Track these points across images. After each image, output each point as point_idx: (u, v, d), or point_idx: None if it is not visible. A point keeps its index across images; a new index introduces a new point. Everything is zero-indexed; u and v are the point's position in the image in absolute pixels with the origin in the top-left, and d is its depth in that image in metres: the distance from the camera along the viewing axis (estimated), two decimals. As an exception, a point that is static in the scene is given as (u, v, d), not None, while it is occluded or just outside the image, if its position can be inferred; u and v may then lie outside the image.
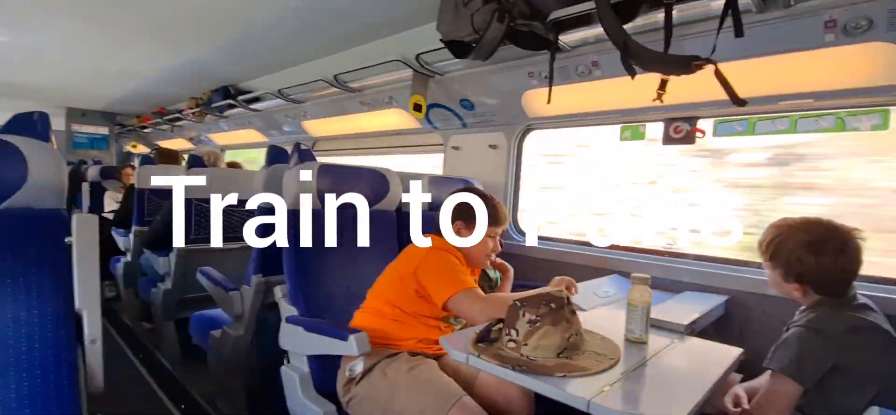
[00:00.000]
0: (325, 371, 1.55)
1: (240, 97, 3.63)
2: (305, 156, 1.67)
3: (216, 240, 2.60)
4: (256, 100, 3.55)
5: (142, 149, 6.74)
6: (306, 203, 1.64)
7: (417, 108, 2.30)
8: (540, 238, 2.45)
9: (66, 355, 1.11)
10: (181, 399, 2.35)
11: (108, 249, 3.65)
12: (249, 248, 2.01)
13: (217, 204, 2.56)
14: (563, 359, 1.04)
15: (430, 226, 1.76)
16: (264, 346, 1.91)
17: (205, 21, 2.41)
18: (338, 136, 3.71)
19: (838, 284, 1.23)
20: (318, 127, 3.65)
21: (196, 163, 2.60)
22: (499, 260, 1.88)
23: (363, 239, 1.80)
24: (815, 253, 1.22)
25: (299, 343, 1.54)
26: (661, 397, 0.99)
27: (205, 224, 2.62)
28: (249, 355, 2.02)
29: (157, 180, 3.22)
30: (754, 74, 1.57)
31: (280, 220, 1.65)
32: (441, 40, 1.81)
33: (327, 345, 1.42)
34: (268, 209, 1.86)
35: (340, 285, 1.70)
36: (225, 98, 3.70)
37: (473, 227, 1.58)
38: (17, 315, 1.06)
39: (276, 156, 1.92)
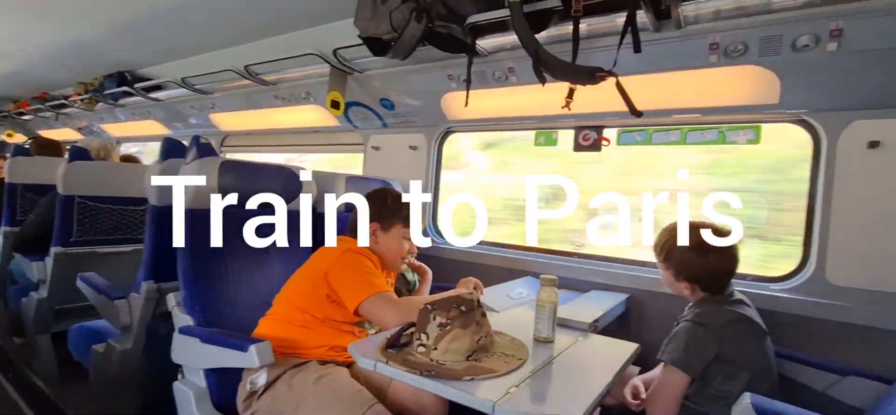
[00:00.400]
0: (224, 386, 1.43)
1: (137, 85, 3.29)
2: (205, 151, 1.53)
3: (104, 242, 2.34)
4: (157, 88, 3.24)
5: (20, 138, 5.89)
6: (205, 202, 1.51)
7: (335, 105, 2.22)
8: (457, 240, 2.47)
9: None
10: None
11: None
12: (140, 252, 1.82)
13: (105, 202, 2.31)
14: (472, 362, 1.04)
15: (343, 227, 1.69)
16: (156, 360, 1.73)
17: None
18: (251, 131, 3.49)
19: (719, 282, 1.36)
20: (228, 120, 3.41)
21: (80, 155, 2.30)
22: (417, 262, 1.86)
23: (272, 241, 1.69)
24: (701, 254, 1.33)
25: (194, 356, 1.41)
26: (565, 394, 1.02)
27: (90, 224, 2.33)
28: (139, 370, 1.82)
29: (33, 175, 2.83)
30: (652, 89, 1.70)
31: (176, 220, 1.50)
32: (359, 36, 1.76)
33: (225, 357, 1.31)
34: (162, 209, 1.70)
35: (245, 292, 1.58)
36: (120, 85, 3.33)
37: (390, 228, 1.55)
38: None
39: (172, 149, 1.75)
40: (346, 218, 1.98)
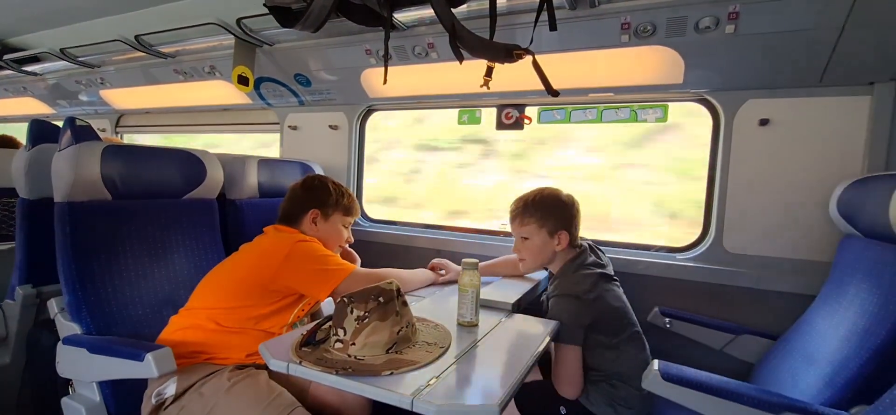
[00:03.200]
0: (124, 398, 1.30)
1: (7, 56, 2.82)
2: (84, 134, 1.33)
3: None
4: (33, 60, 2.80)
5: None
6: (87, 193, 1.33)
7: (243, 80, 2.04)
8: (383, 222, 2.41)
9: None
10: None
11: None
12: (13, 251, 1.58)
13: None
14: (392, 355, 1.00)
15: (262, 214, 1.58)
16: (39, 374, 1.53)
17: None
18: (151, 109, 3.15)
19: (578, 230, 1.47)
20: (122, 98, 3.04)
21: (-75, 140, 1.94)
22: (348, 249, 1.80)
23: (174, 235, 1.54)
24: (564, 204, 1.45)
25: (83, 368, 1.26)
26: (487, 379, 1.02)
27: (-52, 221, 1.99)
28: (20, 388, 1.60)
29: None
30: (569, 68, 1.72)
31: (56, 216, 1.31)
32: (264, 4, 1.61)
33: (119, 368, 1.17)
34: (35, 202, 1.48)
35: (143, 292, 1.43)
36: (-17, 57, 2.84)
37: (330, 216, 1.51)
38: None
39: (42, 133, 1.51)
40: (264, 205, 1.86)
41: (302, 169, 2.10)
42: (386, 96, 2.20)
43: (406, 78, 2.01)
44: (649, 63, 1.62)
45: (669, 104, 1.78)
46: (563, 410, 1.33)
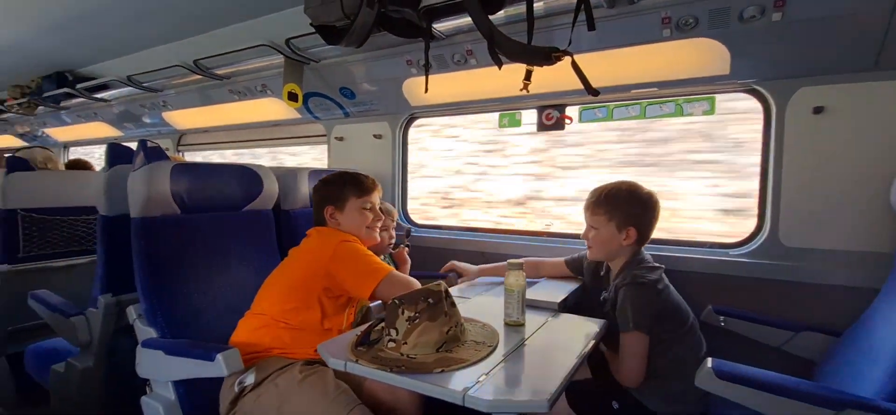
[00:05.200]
0: (194, 395, 1.40)
1: (80, 85, 3.09)
2: (154, 154, 1.45)
3: (55, 256, 2.23)
4: (102, 88, 3.05)
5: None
6: (158, 209, 1.45)
7: (292, 97, 2.15)
8: (428, 227, 2.47)
9: None
10: None
11: None
12: (95, 264, 1.73)
13: (53, 213, 2.20)
14: (442, 353, 1.04)
15: (310, 222, 1.65)
16: (120, 376, 1.67)
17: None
18: (208, 128, 3.36)
19: (651, 230, 1.47)
20: (183, 118, 3.27)
21: (18, 165, 2.17)
22: (402, 254, 1.88)
23: (236, 245, 1.65)
24: (641, 200, 1.44)
25: (160, 369, 1.37)
26: (535, 376, 1.04)
27: (39, 238, 2.20)
28: (103, 388, 1.75)
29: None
30: (609, 65, 1.71)
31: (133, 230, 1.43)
32: (311, 24, 1.70)
33: (192, 368, 1.27)
34: (113, 218, 1.62)
35: (211, 298, 1.54)
36: (60, 86, 3.12)
37: (344, 205, 1.54)
38: None
39: (118, 155, 1.66)
40: (310, 213, 1.95)
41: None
42: (427, 104, 2.25)
43: (446, 85, 2.05)
44: (693, 55, 1.59)
45: (716, 96, 1.73)
46: (615, 405, 1.33)
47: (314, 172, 1.99)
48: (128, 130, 3.71)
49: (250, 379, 1.31)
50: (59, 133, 4.39)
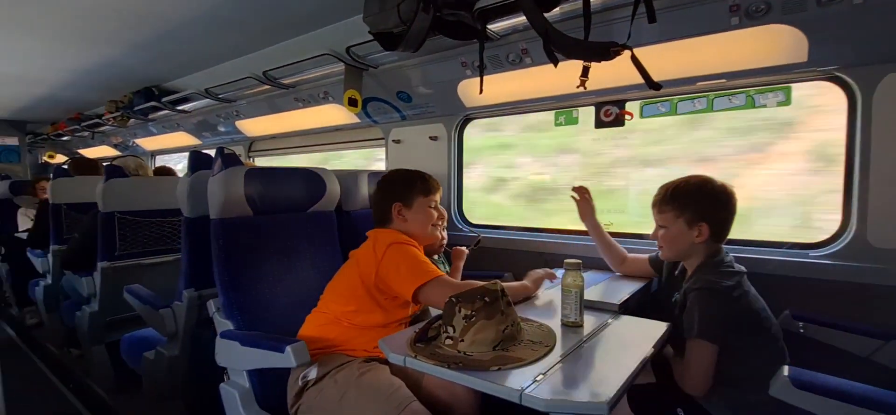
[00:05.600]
0: (267, 386, 1.49)
1: (165, 99, 3.39)
2: (230, 161, 1.58)
3: (146, 254, 2.46)
4: (184, 100, 3.33)
5: (61, 159, 6.21)
6: (233, 210, 1.56)
7: (353, 102, 2.24)
8: (482, 226, 2.48)
9: None
10: None
11: (26, 272, 3.36)
12: (180, 261, 1.90)
13: (143, 215, 2.42)
14: (499, 352, 1.05)
15: (372, 223, 1.70)
16: (202, 364, 1.82)
17: (117, 17, 2.22)
18: (276, 135, 3.57)
19: (728, 227, 1.37)
20: (253, 126, 3.49)
21: (115, 173, 2.42)
22: (460, 250, 1.91)
23: (301, 244, 1.74)
24: (714, 194, 1.36)
25: (236, 359, 1.48)
26: (594, 378, 1.02)
27: (131, 238, 2.45)
28: (187, 374, 1.92)
29: (74, 194, 2.99)
30: (672, 58, 1.64)
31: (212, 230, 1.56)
32: (369, 32, 1.76)
33: (265, 358, 1.36)
34: (195, 220, 1.77)
35: (279, 294, 1.64)
36: (148, 100, 3.45)
37: (412, 202, 1.57)
38: None
39: (199, 162, 1.81)
40: (370, 214, 2.02)
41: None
42: (482, 105, 2.26)
43: (501, 85, 2.06)
44: (765, 43, 1.48)
45: (793, 86, 1.61)
46: (680, 412, 1.28)
47: (373, 174, 2.06)
48: (206, 139, 4.02)
49: (313, 374, 1.38)
50: (147, 143, 4.83)
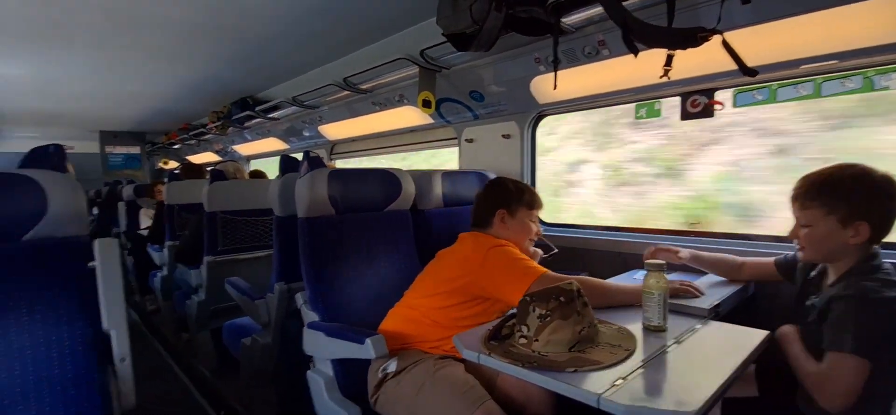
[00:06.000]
0: (349, 375, 1.58)
1: (258, 107, 3.70)
2: (315, 163, 1.69)
3: (243, 250, 2.69)
4: (274, 108, 3.61)
5: (173, 165, 7.00)
6: (318, 210, 1.66)
7: (426, 104, 2.29)
8: (559, 225, 2.42)
9: (94, 375, 1.16)
10: (219, 406, 2.44)
11: (147, 265, 3.83)
12: (272, 256, 2.06)
13: (241, 215, 2.65)
14: (575, 353, 1.02)
15: (446, 221, 1.74)
16: (291, 351, 1.96)
17: (216, 36, 2.46)
18: (354, 137, 3.74)
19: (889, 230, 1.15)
20: (334, 130, 3.69)
21: (218, 176, 2.68)
22: (539, 246, 1.89)
23: (379, 242, 1.81)
24: (878, 185, 1.13)
25: (321, 348, 1.57)
26: (678, 387, 0.96)
27: (231, 235, 2.70)
28: (278, 361, 2.07)
29: (184, 196, 3.35)
30: (770, 40, 1.49)
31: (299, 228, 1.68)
32: (443, 34, 1.79)
33: (346, 349, 1.44)
34: (285, 219, 1.91)
35: (360, 289, 1.72)
36: (244, 109, 3.78)
37: (516, 212, 1.61)
38: (47, 339, 1.12)
39: (288, 165, 1.96)
40: (444, 213, 2.06)
41: (479, 178, 2.25)
42: (556, 100, 2.21)
43: (576, 79, 2.00)
44: (889, 15, 1.30)
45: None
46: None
47: (447, 175, 2.10)
48: (293, 143, 4.32)
49: (392, 367, 1.43)
50: (242, 148, 5.29)
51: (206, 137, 5.12)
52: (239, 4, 2.03)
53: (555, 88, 1.62)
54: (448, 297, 1.46)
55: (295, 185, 1.69)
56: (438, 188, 2.05)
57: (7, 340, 1.10)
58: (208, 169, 3.21)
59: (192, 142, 5.55)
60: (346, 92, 2.82)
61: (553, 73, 1.66)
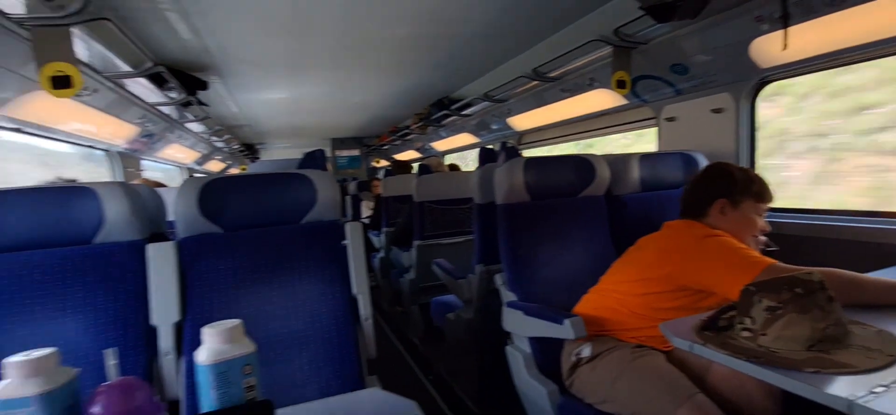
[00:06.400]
0: (545, 353, 1.65)
1: (453, 106, 4.06)
2: (512, 154, 1.81)
3: (444, 235, 3.02)
4: (467, 106, 3.91)
5: (383, 163, 8.17)
6: (516, 196, 1.77)
7: (621, 84, 2.20)
8: (786, 211, 2.05)
9: (350, 328, 1.48)
10: (427, 371, 2.81)
11: (368, 248, 4.59)
12: (470, 241, 2.27)
13: (443, 204, 2.98)
14: (815, 353, 0.89)
15: (643, 206, 1.66)
16: (490, 328, 2.13)
17: (425, 46, 2.79)
18: (542, 126, 3.79)
19: None
20: (522, 121, 3.81)
21: (424, 171, 3.06)
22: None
23: (573, 227, 1.84)
24: None
25: (519, 326, 1.68)
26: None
27: (436, 222, 3.05)
28: (478, 335, 2.28)
29: (396, 188, 3.90)
30: None
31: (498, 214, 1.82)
32: (640, 8, 1.71)
33: (545, 328, 1.51)
34: (485, 206, 2.08)
35: (554, 272, 1.77)
36: (441, 109, 4.19)
37: (740, 203, 1.41)
38: (320, 297, 1.47)
39: (486, 157, 2.13)
40: (642, 198, 1.96)
41: (683, 160, 2.07)
42: (784, 63, 1.87)
43: (810, 34, 1.66)
44: None
45: None
46: None
47: (646, 157, 1.99)
48: (482, 136, 4.60)
49: (587, 352, 1.44)
50: (438, 145, 5.85)
51: (409, 136, 5.83)
52: (443, 13, 2.26)
53: (784, 48, 1.39)
54: (649, 284, 1.39)
55: (493, 174, 1.83)
56: (635, 172, 1.96)
57: (293, 296, 1.48)
58: (412, 164, 3.69)
59: (398, 142, 6.38)
60: (535, 83, 2.88)
61: (781, 31, 1.43)
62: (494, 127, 4.25)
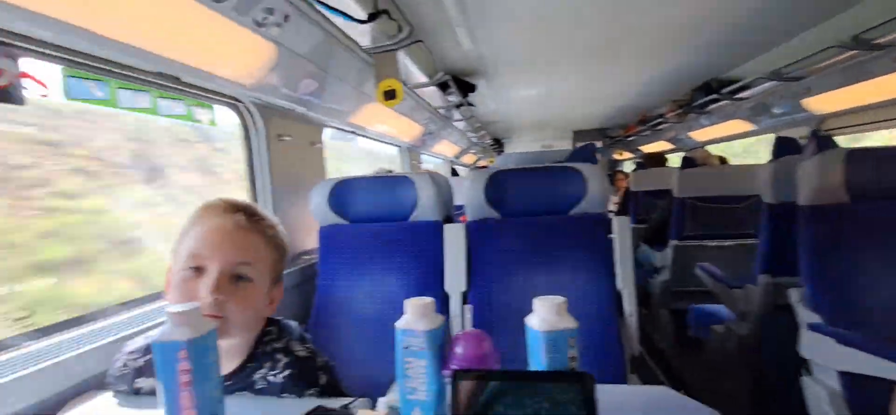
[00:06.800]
0: (863, 394, 1.32)
1: (723, 90, 3.53)
2: (824, 144, 1.47)
3: (710, 237, 2.70)
4: (742, 88, 3.35)
5: (627, 155, 7.72)
6: (830, 198, 1.45)
7: None
8: None
9: (612, 323, 1.48)
10: (678, 383, 2.56)
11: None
12: (745, 245, 1.97)
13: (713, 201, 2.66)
14: None
15: None
16: (774, 350, 1.81)
17: (689, 28, 2.51)
18: (856, 108, 2.95)
19: None
20: (824, 103, 3.04)
21: (688, 164, 2.77)
22: None
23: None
24: None
25: (827, 356, 1.38)
26: None
27: (699, 221, 2.74)
28: (755, 355, 1.96)
29: (648, 182, 3.65)
30: None
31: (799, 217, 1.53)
32: None
33: (868, 364, 1.21)
34: (778, 206, 1.77)
35: (887, 298, 1.39)
36: (707, 94, 3.70)
37: None
38: (587, 284, 1.51)
39: (783, 148, 1.79)
40: None
41: None
42: None
43: None
44: None
45: None
46: None
47: None
48: (761, 122, 3.86)
49: None
50: (697, 135, 5.18)
51: (661, 126, 5.32)
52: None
53: None
54: None
55: (797, 168, 1.53)
56: None
57: (558, 283, 1.56)
58: (666, 157, 3.36)
59: (647, 132, 5.90)
60: (852, 53, 2.26)
61: None
62: (777, 111, 3.51)
